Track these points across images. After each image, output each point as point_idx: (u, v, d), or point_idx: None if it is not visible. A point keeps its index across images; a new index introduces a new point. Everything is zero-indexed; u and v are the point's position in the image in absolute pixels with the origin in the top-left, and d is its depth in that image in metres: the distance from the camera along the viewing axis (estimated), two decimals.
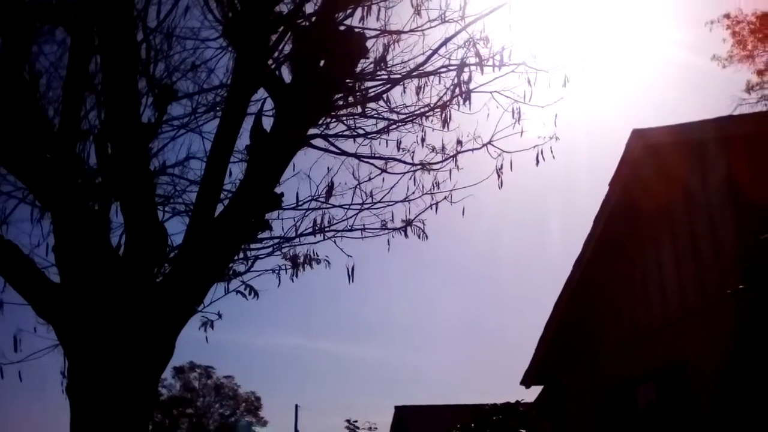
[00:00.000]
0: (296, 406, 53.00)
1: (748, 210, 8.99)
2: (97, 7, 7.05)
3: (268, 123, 7.81)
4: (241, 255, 7.98)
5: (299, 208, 8.23)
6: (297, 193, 8.16)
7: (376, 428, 30.73)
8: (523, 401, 20.48)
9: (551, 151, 8.41)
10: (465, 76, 8.12)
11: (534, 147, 8.37)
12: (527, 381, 15.64)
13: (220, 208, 7.53)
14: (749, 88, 22.25)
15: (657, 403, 11.38)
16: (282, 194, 7.81)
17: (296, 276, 7.99)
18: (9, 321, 7.24)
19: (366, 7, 7.86)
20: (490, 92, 8.41)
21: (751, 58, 22.35)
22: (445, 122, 8.18)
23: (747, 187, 9.13)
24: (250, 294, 7.38)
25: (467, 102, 7.99)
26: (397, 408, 37.91)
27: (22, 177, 7.20)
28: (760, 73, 22.37)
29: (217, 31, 8.08)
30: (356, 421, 30.26)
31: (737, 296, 8.74)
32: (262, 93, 8.06)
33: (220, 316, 7.23)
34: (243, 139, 7.83)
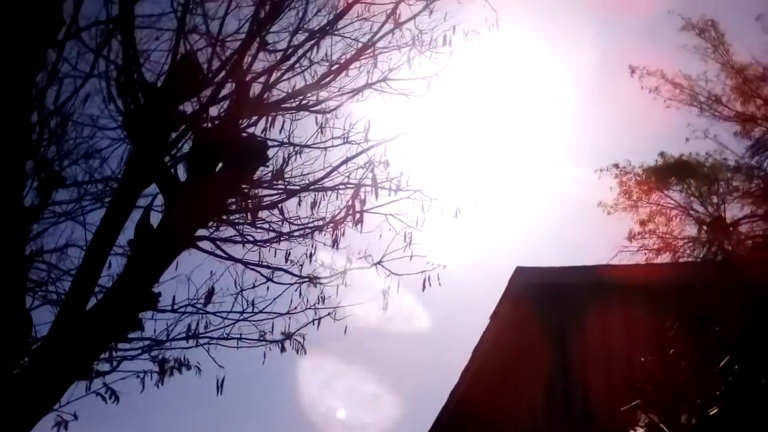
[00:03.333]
0: None
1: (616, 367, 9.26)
2: None
3: (156, 219, 7.67)
4: (108, 354, 7.64)
5: (175, 310, 7.99)
6: (174, 296, 7.93)
7: None
8: None
9: (438, 278, 8.52)
10: (361, 197, 8.21)
11: (422, 272, 8.46)
12: None
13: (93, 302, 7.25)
14: (631, 237, 23.32)
15: None
16: (159, 294, 7.59)
17: (162, 383, 7.69)
18: None
19: (271, 118, 7.93)
20: (385, 215, 8.50)
21: (635, 208, 23.54)
22: (335, 242, 8.20)
23: (616, 338, 9.46)
24: (110, 398, 7.03)
25: (359, 225, 8.05)
26: None
27: None
28: (642, 223, 23.53)
29: (116, 121, 7.97)
30: None
31: None
32: (153, 188, 7.95)
33: (76, 417, 6.84)
34: (128, 232, 7.65)
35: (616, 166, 23.43)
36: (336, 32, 8.46)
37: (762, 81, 21.68)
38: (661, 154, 23.19)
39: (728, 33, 22.09)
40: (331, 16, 8.27)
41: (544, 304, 10.45)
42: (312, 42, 8.23)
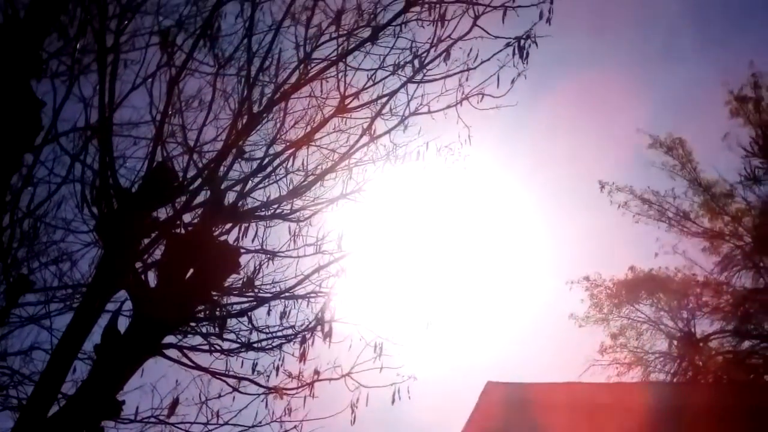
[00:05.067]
0: None
1: None
2: None
3: (123, 324, 7.56)
4: None
5: (138, 420, 7.79)
6: (137, 405, 7.74)
7: None
8: None
9: (408, 391, 8.42)
10: (331, 308, 8.18)
11: (392, 384, 8.35)
12: None
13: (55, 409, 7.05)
14: (602, 350, 23.24)
15: None
16: (123, 402, 7.41)
17: None
18: None
19: (244, 228, 7.96)
20: (355, 325, 8.46)
21: (606, 322, 23.56)
22: (303, 357, 8.08)
23: None
24: None
25: (328, 339, 7.96)
26: None
27: None
28: (613, 336, 23.51)
29: (88, 225, 7.96)
30: None
31: None
32: (123, 292, 7.86)
33: None
34: (95, 337, 7.52)
35: (587, 278, 23.58)
36: (313, 143, 8.62)
37: (729, 198, 22.13)
38: (631, 267, 23.41)
39: (695, 150, 22.68)
40: (309, 129, 8.44)
41: (514, 420, 10.36)
42: (289, 152, 8.36)
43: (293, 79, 8.07)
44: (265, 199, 8.33)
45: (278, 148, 8.37)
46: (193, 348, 8.19)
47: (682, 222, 22.39)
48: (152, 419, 7.85)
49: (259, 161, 8.21)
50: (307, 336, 8.06)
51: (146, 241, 7.76)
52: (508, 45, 8.00)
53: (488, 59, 8.16)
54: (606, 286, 23.60)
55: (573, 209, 24.23)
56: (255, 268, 8.34)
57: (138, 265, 7.79)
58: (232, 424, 8.15)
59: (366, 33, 8.10)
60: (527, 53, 8.03)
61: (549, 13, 7.91)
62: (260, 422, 8.19)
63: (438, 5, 7.93)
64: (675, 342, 23.05)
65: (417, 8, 8.00)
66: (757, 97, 20.81)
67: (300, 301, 8.51)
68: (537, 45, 8.03)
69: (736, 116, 21.21)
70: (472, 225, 10.91)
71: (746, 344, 21.66)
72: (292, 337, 8.26)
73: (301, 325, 8.32)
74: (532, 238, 21.39)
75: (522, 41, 7.98)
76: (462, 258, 11.02)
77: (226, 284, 8.27)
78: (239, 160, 8.08)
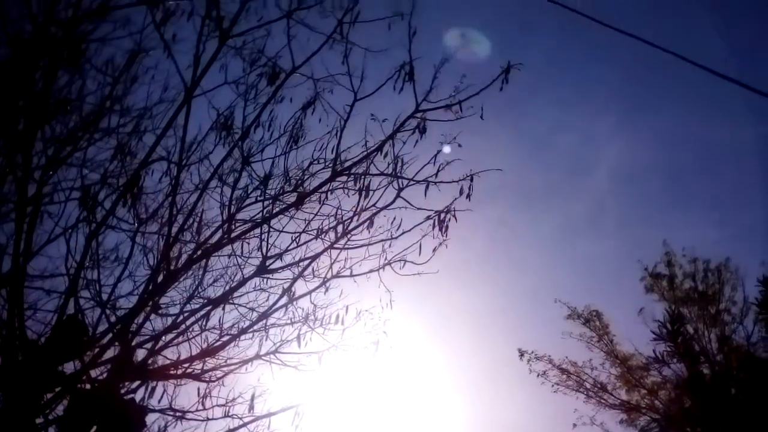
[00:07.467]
0: None
1: None
2: None
3: None
4: None
5: None
6: None
7: None
8: None
9: None
10: None
11: None
12: None
13: None
14: None
15: None
16: None
17: None
18: None
19: (151, 388, 7.72)
20: None
21: None
22: None
23: None
24: None
25: None
26: None
27: None
28: None
29: None
30: None
31: None
32: None
33: None
34: None
35: None
36: (231, 301, 8.55)
37: (645, 371, 22.37)
38: None
39: (613, 322, 23.04)
40: (228, 287, 8.40)
41: None
42: (206, 310, 8.25)
43: (215, 238, 8.10)
44: (176, 358, 8.15)
45: (195, 305, 8.28)
46: None
47: (600, 393, 22.48)
48: None
49: (173, 318, 8.09)
50: None
51: (49, 395, 7.47)
52: (428, 218, 8.23)
53: (410, 230, 8.35)
54: None
55: (496, 376, 24.28)
56: (160, 428, 8.04)
57: (38, 420, 7.46)
58: None
59: (292, 198, 8.25)
60: (447, 226, 8.26)
61: (469, 190, 8.20)
62: None
63: (363, 176, 8.17)
64: None
65: (343, 178, 8.22)
66: (671, 275, 21.55)
67: None
68: (456, 219, 8.28)
69: (651, 292, 21.84)
70: (391, 391, 10.82)
71: None
72: None
73: None
74: (454, 406, 21.28)
75: (442, 215, 8.23)
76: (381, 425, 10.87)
77: None
78: (153, 316, 7.94)
